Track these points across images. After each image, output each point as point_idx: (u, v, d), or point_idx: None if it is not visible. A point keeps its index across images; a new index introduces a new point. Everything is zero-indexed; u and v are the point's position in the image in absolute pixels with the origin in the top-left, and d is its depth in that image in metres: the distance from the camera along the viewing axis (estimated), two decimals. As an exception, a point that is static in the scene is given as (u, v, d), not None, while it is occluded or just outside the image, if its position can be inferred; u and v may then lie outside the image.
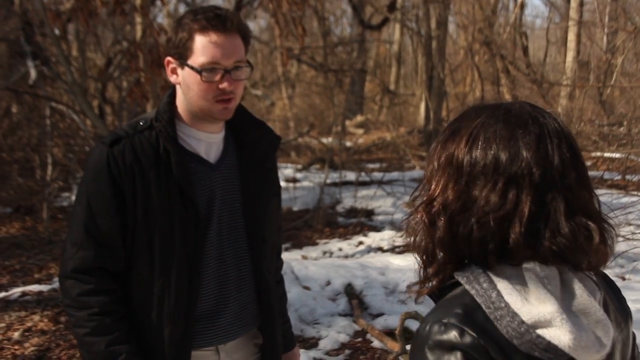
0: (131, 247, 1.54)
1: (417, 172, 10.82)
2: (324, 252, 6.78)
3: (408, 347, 3.51)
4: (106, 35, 11.83)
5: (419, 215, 0.98)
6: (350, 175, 10.30)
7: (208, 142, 1.64)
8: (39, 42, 8.32)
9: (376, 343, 4.18)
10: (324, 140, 12.68)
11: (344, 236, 7.51)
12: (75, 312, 1.51)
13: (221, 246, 1.64)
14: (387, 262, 5.64)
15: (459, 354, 0.88)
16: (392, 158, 13.59)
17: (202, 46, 1.51)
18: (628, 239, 4.72)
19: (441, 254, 0.96)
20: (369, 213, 8.52)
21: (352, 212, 8.76)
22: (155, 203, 1.52)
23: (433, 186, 0.98)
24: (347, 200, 9.36)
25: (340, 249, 6.88)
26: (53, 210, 7.92)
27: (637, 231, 4.88)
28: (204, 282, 1.60)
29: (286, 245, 6.95)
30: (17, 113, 8.92)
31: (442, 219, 0.94)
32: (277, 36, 11.53)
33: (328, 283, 5.15)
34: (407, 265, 5.36)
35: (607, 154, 8.97)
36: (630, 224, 4.85)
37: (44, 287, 5.30)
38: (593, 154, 9.50)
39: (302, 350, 3.89)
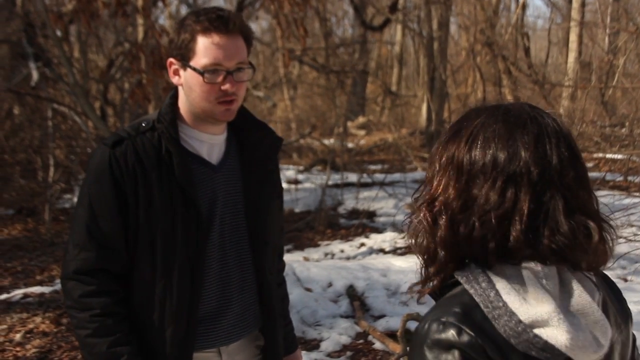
0: (133, 249, 1.54)
1: (419, 174, 10.82)
2: (326, 254, 6.78)
3: (410, 348, 3.51)
4: (108, 37, 11.86)
5: (420, 215, 1.00)
6: (352, 177, 10.31)
7: (210, 144, 1.64)
8: (40, 44, 8.34)
9: (378, 345, 4.18)
10: (326, 141, 12.69)
11: (346, 238, 7.51)
12: (77, 314, 1.51)
13: (223, 248, 1.64)
14: (389, 263, 5.64)
15: (456, 353, 0.89)
16: (393, 159, 13.59)
17: (205, 47, 1.51)
18: (630, 240, 4.71)
19: (442, 253, 0.97)
20: (371, 214, 8.52)
21: (354, 213, 8.76)
22: (158, 204, 1.52)
23: (434, 186, 0.99)
24: (349, 201, 9.36)
25: (342, 251, 6.88)
26: (55, 212, 7.93)
27: (639, 232, 4.87)
28: (206, 284, 1.60)
29: (288, 247, 6.95)
30: (19, 115, 8.94)
31: (444, 217, 0.95)
32: (278, 37, 11.53)
33: (330, 285, 5.15)
34: (408, 267, 5.35)
35: (609, 155, 8.94)
36: (632, 225, 4.83)
37: (45, 289, 5.30)
38: (595, 155, 9.48)
39: (303, 352, 3.89)
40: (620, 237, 4.46)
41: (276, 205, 1.79)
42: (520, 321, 0.88)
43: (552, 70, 21.91)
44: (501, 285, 0.91)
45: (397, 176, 10.69)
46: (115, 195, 1.50)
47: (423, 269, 1.02)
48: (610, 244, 0.95)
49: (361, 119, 19.04)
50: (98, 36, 10.71)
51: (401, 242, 6.90)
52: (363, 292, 5.01)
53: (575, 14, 14.20)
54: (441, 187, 0.97)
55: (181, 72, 1.58)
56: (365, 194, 9.25)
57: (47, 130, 7.90)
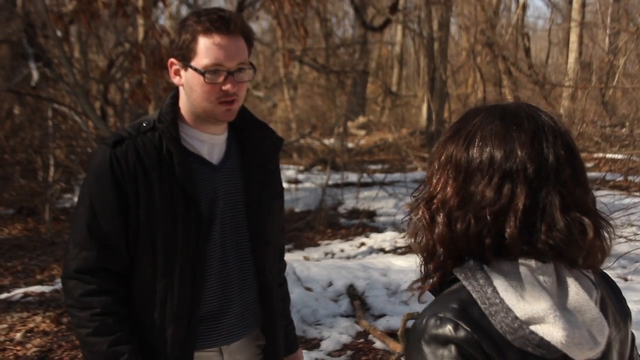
0: (134, 248, 1.54)
1: (419, 174, 10.82)
2: (326, 253, 6.78)
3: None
4: (108, 37, 11.86)
5: (420, 212, 1.01)
6: (352, 177, 10.31)
7: (211, 144, 1.65)
8: (41, 44, 8.35)
9: (378, 344, 4.18)
10: (326, 141, 12.69)
11: (346, 237, 7.52)
12: (77, 313, 1.51)
13: (224, 247, 1.64)
14: (389, 263, 5.64)
15: (453, 348, 0.90)
16: (394, 159, 13.59)
17: (206, 48, 1.51)
18: (630, 240, 4.71)
19: (441, 250, 0.98)
20: (371, 214, 8.53)
21: (354, 213, 8.77)
22: (158, 204, 1.53)
23: (433, 184, 1.01)
24: (349, 201, 9.37)
25: (342, 250, 6.89)
26: (55, 212, 7.94)
27: (639, 232, 4.87)
28: (207, 283, 1.61)
29: (288, 247, 6.95)
30: (20, 115, 8.95)
31: (441, 215, 0.97)
32: (279, 38, 11.54)
33: (330, 284, 5.16)
34: (409, 266, 5.36)
35: (609, 155, 8.95)
36: (632, 225, 4.83)
37: (46, 288, 5.31)
38: (595, 155, 9.49)
39: (304, 351, 3.89)
40: (621, 237, 4.46)
41: (277, 205, 1.79)
42: (516, 318, 0.89)
43: (552, 70, 21.92)
44: (499, 282, 0.92)
45: (397, 176, 10.69)
46: (116, 194, 1.51)
47: (423, 266, 1.03)
48: (608, 242, 0.95)
49: (361, 119, 19.04)
50: (98, 36, 10.72)
51: (401, 242, 6.91)
52: (363, 292, 5.02)
53: (575, 14, 14.21)
54: (439, 185, 0.99)
55: (182, 72, 1.58)
56: (365, 193, 9.26)
57: (47, 130, 7.91)
